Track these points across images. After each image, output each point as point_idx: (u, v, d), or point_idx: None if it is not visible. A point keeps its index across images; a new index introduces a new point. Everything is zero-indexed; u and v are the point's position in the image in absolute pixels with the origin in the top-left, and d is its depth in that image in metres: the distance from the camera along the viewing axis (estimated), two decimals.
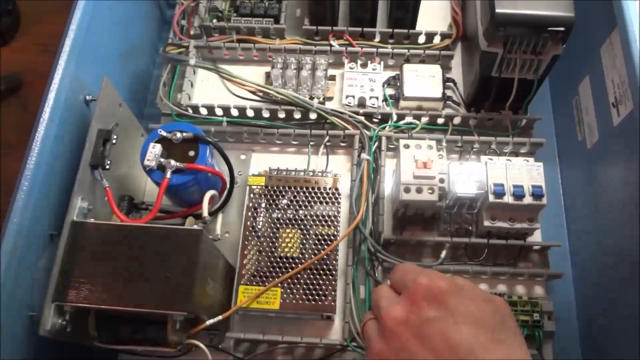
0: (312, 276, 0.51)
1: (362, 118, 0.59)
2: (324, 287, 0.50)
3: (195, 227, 0.45)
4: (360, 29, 0.64)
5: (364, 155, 0.56)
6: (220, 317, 0.45)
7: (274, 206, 0.54)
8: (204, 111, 0.61)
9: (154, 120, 0.62)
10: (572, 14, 0.48)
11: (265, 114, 0.61)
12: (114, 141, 0.49)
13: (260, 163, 0.60)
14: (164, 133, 0.49)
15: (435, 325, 0.31)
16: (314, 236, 0.52)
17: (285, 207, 0.54)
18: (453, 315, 0.32)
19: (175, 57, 0.62)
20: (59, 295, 0.41)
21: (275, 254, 0.52)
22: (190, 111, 0.61)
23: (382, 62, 0.63)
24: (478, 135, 0.58)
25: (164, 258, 0.42)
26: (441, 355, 0.30)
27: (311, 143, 0.60)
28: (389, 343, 0.33)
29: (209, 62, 0.63)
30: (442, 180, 0.51)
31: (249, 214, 0.54)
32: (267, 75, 0.64)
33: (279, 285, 0.50)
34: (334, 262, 0.51)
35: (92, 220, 0.45)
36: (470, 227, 0.55)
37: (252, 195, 0.54)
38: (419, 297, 0.33)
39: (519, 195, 0.50)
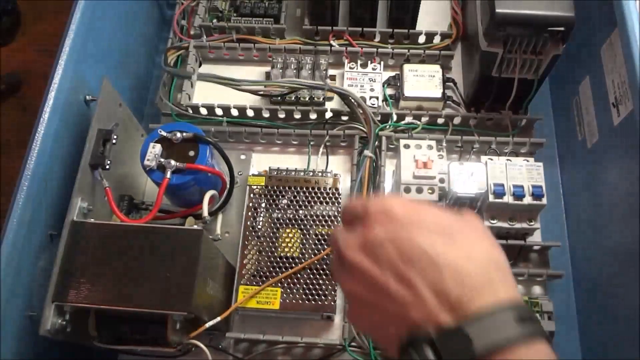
0: (312, 276, 0.51)
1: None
2: (324, 287, 0.50)
3: (195, 227, 0.45)
4: (360, 29, 0.64)
5: (366, 152, 0.55)
6: (219, 319, 0.45)
7: (274, 206, 0.54)
8: (204, 111, 0.61)
9: (154, 120, 0.63)
10: (572, 14, 0.48)
11: (265, 114, 0.61)
12: (114, 141, 0.49)
13: (260, 163, 0.60)
14: (164, 133, 0.49)
15: (388, 241, 0.30)
16: (314, 236, 0.52)
17: (285, 207, 0.54)
18: (405, 227, 0.30)
19: (176, 72, 0.63)
20: (59, 295, 0.41)
21: (275, 254, 0.52)
22: (190, 111, 0.61)
23: (382, 62, 0.63)
24: (478, 135, 0.58)
25: (164, 258, 0.42)
26: (398, 268, 0.29)
27: (311, 143, 0.60)
28: (352, 276, 0.31)
29: (210, 75, 0.60)
30: (442, 180, 0.51)
31: (249, 214, 0.54)
32: (267, 75, 0.64)
33: (279, 285, 0.50)
34: None
35: (92, 220, 0.45)
36: None
37: (252, 195, 0.54)
38: (371, 221, 0.31)
39: (519, 195, 0.50)
